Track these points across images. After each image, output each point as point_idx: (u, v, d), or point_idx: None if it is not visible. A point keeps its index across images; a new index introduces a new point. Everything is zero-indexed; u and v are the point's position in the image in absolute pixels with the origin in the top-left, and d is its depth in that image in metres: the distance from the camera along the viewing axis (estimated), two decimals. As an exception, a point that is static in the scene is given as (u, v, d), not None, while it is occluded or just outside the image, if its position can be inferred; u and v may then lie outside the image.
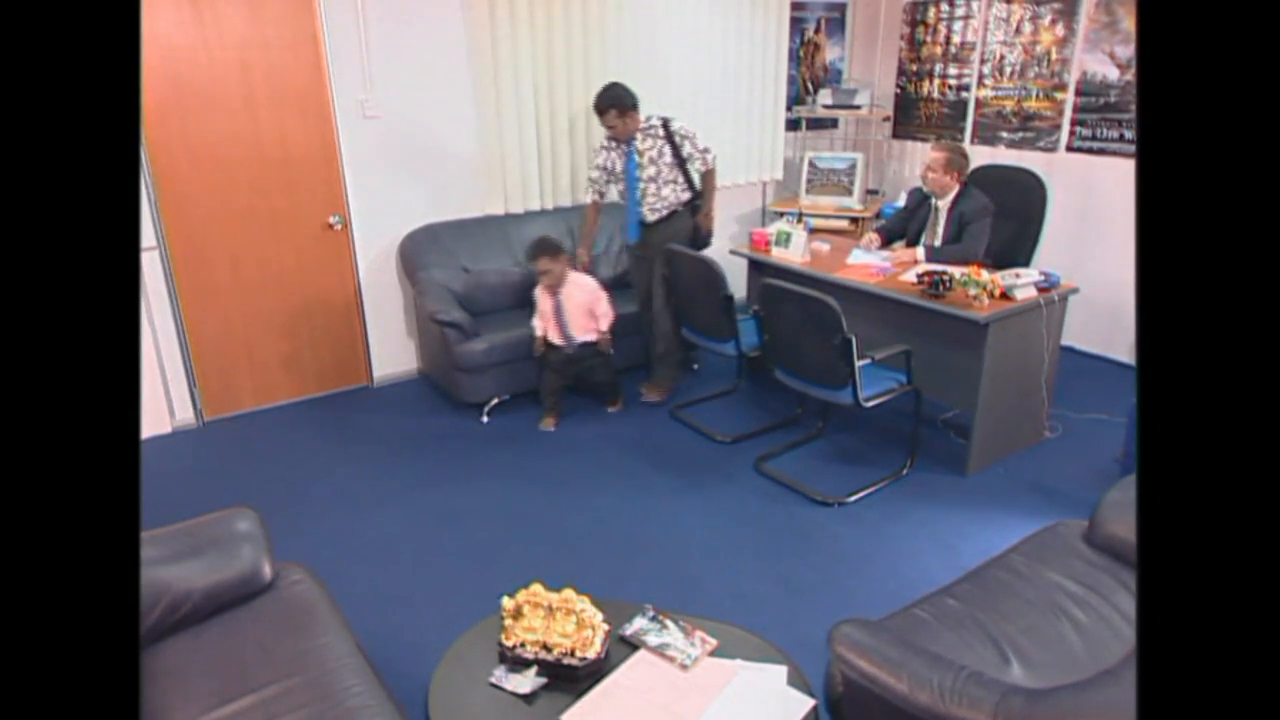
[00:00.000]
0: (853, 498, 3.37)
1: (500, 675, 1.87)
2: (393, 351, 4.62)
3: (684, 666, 1.88)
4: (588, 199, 4.25)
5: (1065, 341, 3.87)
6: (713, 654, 1.93)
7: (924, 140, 5.61)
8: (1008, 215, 3.94)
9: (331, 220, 4.24)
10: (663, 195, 4.07)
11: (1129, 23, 4.42)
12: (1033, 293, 3.40)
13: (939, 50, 5.44)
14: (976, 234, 3.74)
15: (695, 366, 4.79)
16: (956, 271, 3.43)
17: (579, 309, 3.94)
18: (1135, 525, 1.06)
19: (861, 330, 3.25)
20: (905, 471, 3.57)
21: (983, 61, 5.18)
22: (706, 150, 4.09)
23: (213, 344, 4.10)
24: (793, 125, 5.87)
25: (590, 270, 4.24)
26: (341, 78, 4.07)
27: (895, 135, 5.89)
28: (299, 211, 4.17)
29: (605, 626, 1.93)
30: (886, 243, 4.16)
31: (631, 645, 1.95)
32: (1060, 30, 4.71)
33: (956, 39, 5.31)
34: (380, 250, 4.41)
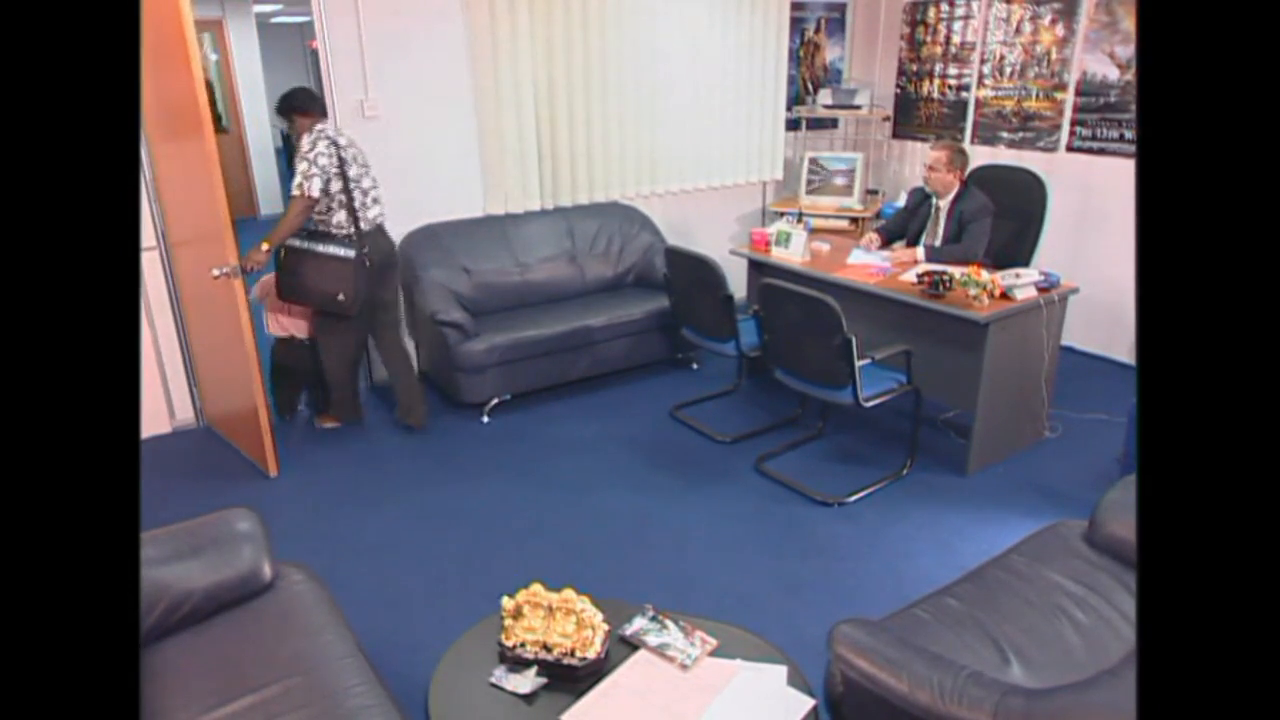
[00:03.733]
0: (853, 498, 3.37)
1: (500, 675, 1.87)
2: (393, 351, 4.61)
3: (684, 666, 1.88)
4: None
5: (1065, 341, 3.87)
6: (713, 654, 1.93)
7: (924, 140, 5.61)
8: (1008, 215, 3.94)
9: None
10: None
11: (1129, 23, 4.42)
12: (1033, 293, 3.40)
13: (939, 50, 5.44)
14: (976, 234, 3.75)
15: (695, 366, 4.79)
16: (956, 271, 3.43)
17: None
18: (1135, 525, 1.06)
19: (861, 330, 3.25)
20: (905, 471, 3.57)
21: (983, 61, 5.18)
22: (301, 178, 3.46)
23: (212, 344, 4.09)
24: (793, 125, 5.87)
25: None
26: (340, 78, 4.07)
27: (895, 135, 5.89)
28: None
29: (605, 626, 1.93)
30: (886, 243, 4.17)
31: (631, 645, 1.95)
32: (1060, 30, 4.71)
33: (956, 39, 5.31)
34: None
